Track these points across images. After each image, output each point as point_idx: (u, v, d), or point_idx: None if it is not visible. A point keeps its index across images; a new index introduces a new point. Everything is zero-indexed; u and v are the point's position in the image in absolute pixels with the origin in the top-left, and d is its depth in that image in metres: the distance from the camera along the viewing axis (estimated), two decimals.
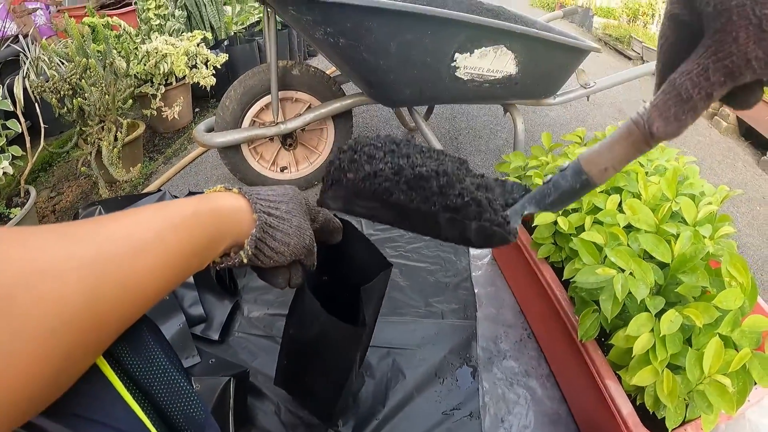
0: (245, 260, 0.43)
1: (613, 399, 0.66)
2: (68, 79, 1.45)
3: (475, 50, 1.14)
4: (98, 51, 1.50)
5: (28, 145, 1.40)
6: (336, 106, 1.35)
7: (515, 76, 1.24)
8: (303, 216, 0.49)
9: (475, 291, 1.13)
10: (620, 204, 0.80)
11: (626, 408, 0.65)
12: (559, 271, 0.84)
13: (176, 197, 1.23)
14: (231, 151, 1.40)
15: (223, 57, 1.94)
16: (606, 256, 0.70)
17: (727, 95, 0.30)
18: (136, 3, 2.19)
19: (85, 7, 2.24)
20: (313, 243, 0.51)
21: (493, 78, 1.22)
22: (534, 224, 0.85)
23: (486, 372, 0.94)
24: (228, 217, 0.41)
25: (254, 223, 0.43)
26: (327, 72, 1.41)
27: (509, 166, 1.05)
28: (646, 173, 0.90)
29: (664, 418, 0.62)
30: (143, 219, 0.32)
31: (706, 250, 0.65)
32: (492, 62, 1.18)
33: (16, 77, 1.47)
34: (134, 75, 1.72)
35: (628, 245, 0.72)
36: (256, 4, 2.85)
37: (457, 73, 1.17)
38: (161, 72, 1.77)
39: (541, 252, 0.87)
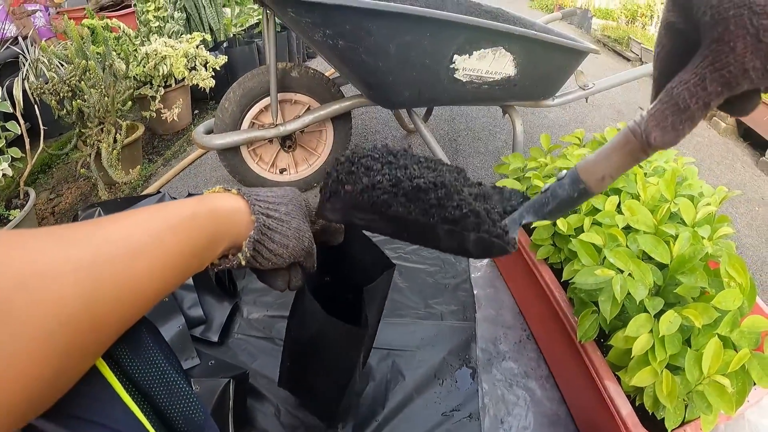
0: (243, 262, 0.43)
1: (612, 400, 0.66)
2: (67, 81, 1.45)
3: (474, 52, 1.14)
4: (97, 53, 1.50)
5: (27, 146, 1.40)
6: (335, 107, 1.35)
7: (514, 78, 1.24)
8: (302, 218, 0.49)
9: (475, 292, 1.13)
10: (619, 205, 0.80)
11: (625, 409, 0.65)
12: (558, 272, 0.84)
13: (175, 199, 1.23)
14: (230, 153, 1.40)
15: (223, 59, 1.94)
16: (605, 257, 0.70)
17: (724, 102, 0.30)
18: (135, 5, 2.19)
19: (84, 9, 2.24)
20: (313, 245, 0.51)
21: (491, 79, 1.22)
22: (533, 225, 0.86)
23: (485, 373, 0.94)
24: (226, 218, 0.41)
25: (252, 224, 0.43)
26: (326, 74, 1.41)
27: (508, 167, 1.05)
28: (645, 174, 0.90)
29: (664, 418, 0.62)
30: (141, 220, 0.32)
31: (704, 250, 0.66)
32: (491, 64, 1.18)
33: (16, 79, 1.47)
34: (133, 77, 1.72)
35: (627, 246, 0.72)
36: (256, 6, 2.85)
37: (455, 75, 1.17)
38: (160, 74, 1.78)
39: (540, 253, 0.87)
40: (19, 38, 1.67)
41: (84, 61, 1.42)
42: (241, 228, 0.42)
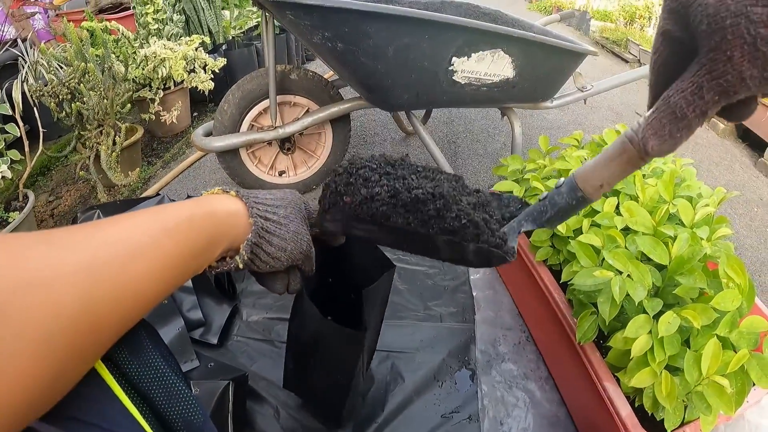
0: (241, 265, 0.43)
1: (611, 401, 0.66)
2: (67, 84, 1.45)
3: (473, 54, 1.14)
4: (97, 55, 1.51)
5: (26, 149, 1.40)
6: (334, 110, 1.35)
7: (512, 80, 1.24)
8: (301, 221, 0.48)
9: (474, 294, 1.13)
10: (618, 206, 0.81)
11: (625, 410, 0.65)
12: (557, 273, 0.84)
13: (174, 201, 1.23)
14: (229, 156, 1.40)
15: (222, 61, 1.95)
16: (604, 259, 0.70)
17: (721, 109, 0.30)
18: (134, 7, 2.20)
19: (83, 11, 2.25)
20: (311, 248, 0.50)
21: (490, 82, 1.23)
22: None
23: (485, 375, 0.94)
24: (224, 220, 0.41)
25: (251, 227, 0.43)
26: (325, 76, 1.42)
27: (507, 169, 1.05)
28: (644, 175, 0.90)
29: (663, 419, 0.62)
30: (139, 223, 0.32)
31: (703, 251, 0.66)
32: (489, 66, 1.19)
33: (15, 81, 1.47)
34: (132, 79, 1.72)
35: (625, 247, 0.72)
36: (255, 9, 2.86)
37: (454, 77, 1.17)
38: (159, 76, 1.78)
39: (539, 255, 0.87)
40: (19, 41, 1.67)
41: (83, 64, 1.42)
42: (239, 230, 0.42)
